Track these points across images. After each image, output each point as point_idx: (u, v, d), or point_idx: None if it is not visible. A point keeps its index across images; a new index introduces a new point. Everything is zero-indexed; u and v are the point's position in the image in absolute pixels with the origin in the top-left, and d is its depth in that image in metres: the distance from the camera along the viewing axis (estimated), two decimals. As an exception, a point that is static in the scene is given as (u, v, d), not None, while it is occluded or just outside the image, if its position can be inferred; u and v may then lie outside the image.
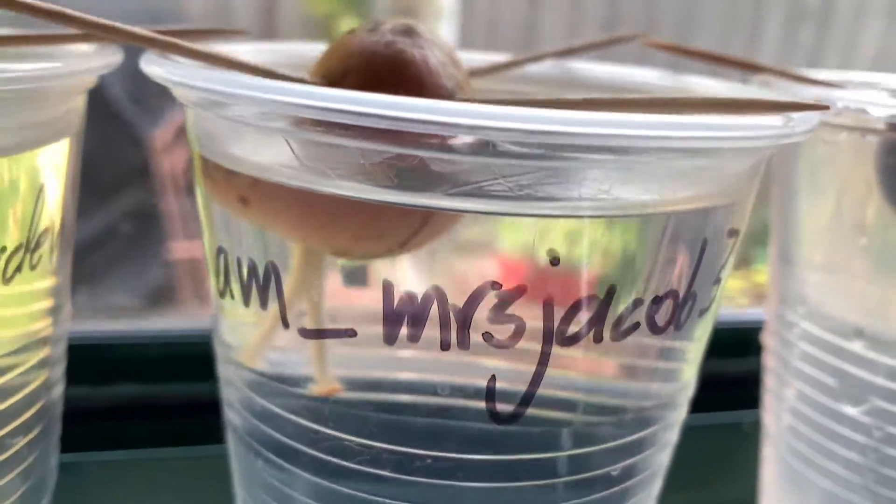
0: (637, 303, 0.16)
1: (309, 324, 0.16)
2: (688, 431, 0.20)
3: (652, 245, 0.16)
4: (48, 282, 0.19)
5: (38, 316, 0.19)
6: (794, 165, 0.24)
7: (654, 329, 0.16)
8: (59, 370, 0.21)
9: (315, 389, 0.17)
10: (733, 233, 0.18)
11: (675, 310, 0.17)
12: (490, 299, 0.15)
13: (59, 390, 0.21)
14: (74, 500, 0.26)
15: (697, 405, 0.20)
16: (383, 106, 0.13)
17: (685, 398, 0.20)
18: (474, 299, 0.15)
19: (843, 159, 0.22)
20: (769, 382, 0.26)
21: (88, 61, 0.18)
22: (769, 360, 0.26)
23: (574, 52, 0.25)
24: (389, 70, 0.17)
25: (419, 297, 0.15)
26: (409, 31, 0.17)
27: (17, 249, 0.17)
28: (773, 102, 0.16)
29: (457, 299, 0.15)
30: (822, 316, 0.23)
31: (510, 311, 0.15)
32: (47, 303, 0.19)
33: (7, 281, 0.16)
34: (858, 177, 0.22)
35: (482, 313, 0.15)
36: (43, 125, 0.17)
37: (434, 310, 0.15)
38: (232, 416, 0.19)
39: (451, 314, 0.15)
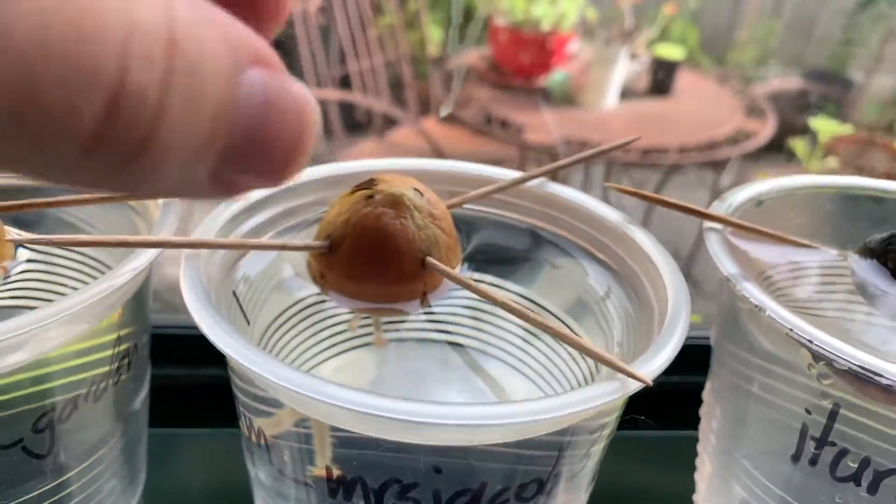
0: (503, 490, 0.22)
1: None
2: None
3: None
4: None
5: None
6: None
7: (521, 500, 0.23)
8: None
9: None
10: (600, 428, 0.23)
11: (540, 486, 0.23)
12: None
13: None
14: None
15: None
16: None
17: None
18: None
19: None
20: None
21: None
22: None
23: (564, 167, 0.29)
24: (377, 241, 0.23)
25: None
26: (396, 204, 0.23)
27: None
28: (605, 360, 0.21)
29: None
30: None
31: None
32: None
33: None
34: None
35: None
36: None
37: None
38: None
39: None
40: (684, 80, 1.79)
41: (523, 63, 1.72)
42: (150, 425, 0.30)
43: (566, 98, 1.70)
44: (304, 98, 0.11)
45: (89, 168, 0.10)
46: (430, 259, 0.23)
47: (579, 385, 0.27)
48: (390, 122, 1.73)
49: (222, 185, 0.11)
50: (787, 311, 0.23)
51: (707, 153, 1.52)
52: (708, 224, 0.27)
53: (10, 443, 0.22)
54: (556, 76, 1.70)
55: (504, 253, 0.29)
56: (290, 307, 0.27)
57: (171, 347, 0.37)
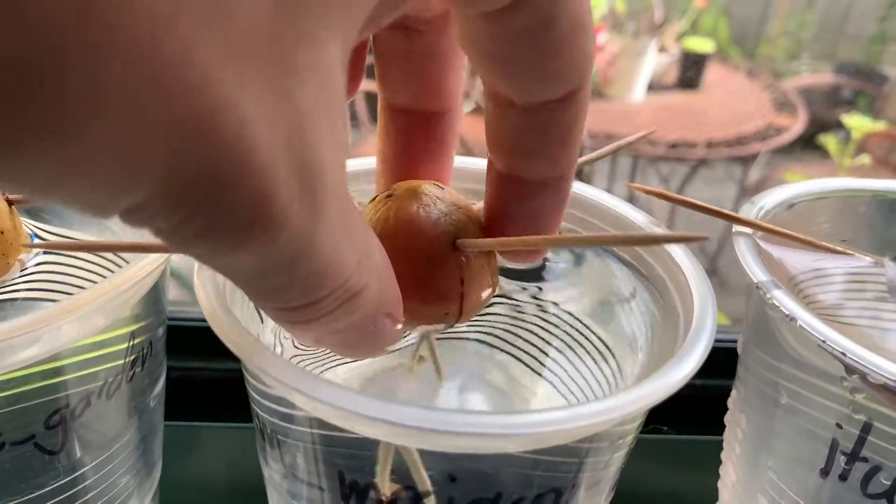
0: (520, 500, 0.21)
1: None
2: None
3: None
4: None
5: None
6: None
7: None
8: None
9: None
10: (622, 435, 0.22)
11: (558, 495, 0.22)
12: None
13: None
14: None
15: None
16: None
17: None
18: None
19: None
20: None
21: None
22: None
23: (588, 163, 0.28)
24: (400, 232, 0.20)
25: None
26: (414, 195, 0.21)
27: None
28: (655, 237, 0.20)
29: None
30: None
31: None
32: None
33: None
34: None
35: None
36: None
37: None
38: None
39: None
40: (713, 74, 1.77)
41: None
42: (166, 418, 0.30)
43: (593, 90, 1.68)
44: (390, 338, 0.17)
45: (273, 308, 0.15)
46: (460, 240, 0.21)
47: (602, 389, 0.26)
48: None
49: (317, 341, 0.17)
50: (819, 322, 0.22)
51: (735, 148, 1.50)
52: (738, 228, 0.26)
53: (22, 439, 0.22)
54: (583, 68, 1.68)
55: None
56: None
57: (189, 339, 0.37)
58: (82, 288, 0.28)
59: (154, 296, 0.25)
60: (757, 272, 0.24)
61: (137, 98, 0.10)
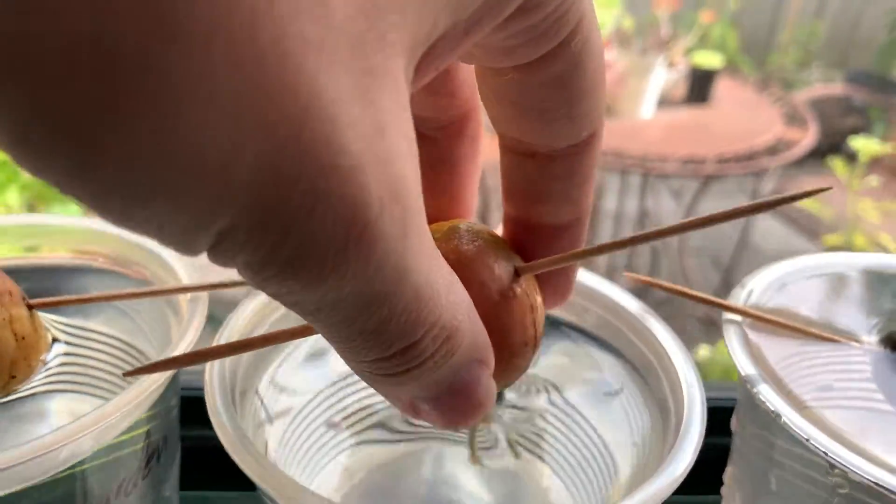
0: None
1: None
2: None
3: None
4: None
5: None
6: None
7: None
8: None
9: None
10: None
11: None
12: None
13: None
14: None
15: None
16: None
17: None
18: None
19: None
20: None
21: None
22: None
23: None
24: (463, 266, 0.18)
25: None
26: (456, 233, 0.19)
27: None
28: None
29: None
30: None
31: None
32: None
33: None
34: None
35: None
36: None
37: None
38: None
39: None
40: (723, 88, 1.77)
41: (558, 73, 1.71)
42: (180, 488, 0.31)
43: (602, 107, 1.69)
44: (489, 392, 0.16)
45: (366, 366, 0.14)
46: (521, 265, 0.19)
47: (601, 476, 0.27)
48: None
49: (413, 409, 0.16)
50: (803, 420, 0.23)
51: (745, 164, 1.50)
52: (727, 316, 0.27)
53: (44, 542, 0.23)
54: (591, 86, 1.68)
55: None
56: (307, 403, 0.28)
57: (202, 408, 0.38)
58: (98, 378, 0.30)
59: (166, 398, 0.27)
60: (744, 364, 0.25)
61: (235, 85, 0.09)
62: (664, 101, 1.70)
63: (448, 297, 0.14)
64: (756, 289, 0.29)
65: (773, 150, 1.54)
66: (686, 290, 0.27)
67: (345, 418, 0.29)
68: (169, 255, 0.30)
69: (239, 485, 0.39)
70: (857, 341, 0.28)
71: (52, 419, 0.30)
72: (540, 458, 0.29)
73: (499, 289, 0.18)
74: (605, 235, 1.92)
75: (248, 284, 0.12)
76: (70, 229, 0.31)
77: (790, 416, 0.23)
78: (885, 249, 1.14)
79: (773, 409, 0.23)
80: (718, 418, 0.29)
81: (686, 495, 0.38)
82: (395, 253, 0.12)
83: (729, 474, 0.30)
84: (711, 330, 1.70)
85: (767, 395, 0.24)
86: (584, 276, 0.29)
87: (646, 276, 0.27)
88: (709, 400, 0.32)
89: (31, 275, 0.31)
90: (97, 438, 0.23)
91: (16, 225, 0.31)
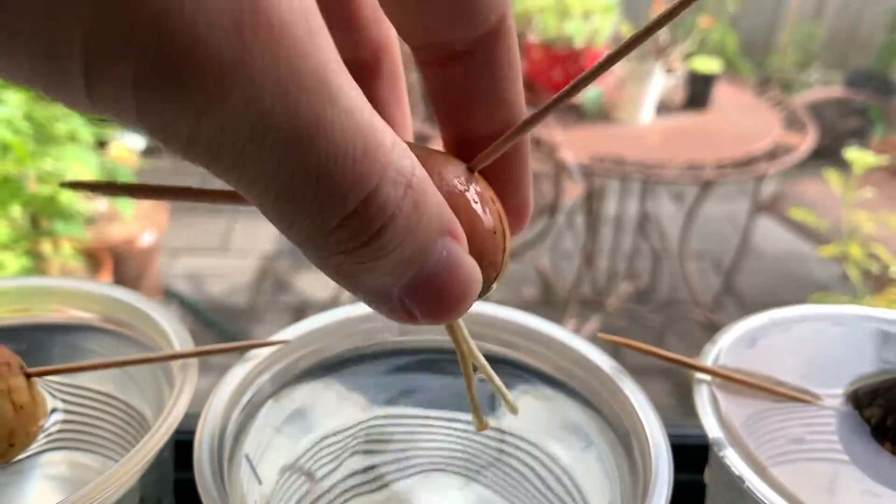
0: None
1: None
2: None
3: None
4: None
5: None
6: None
7: None
8: None
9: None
10: None
11: None
12: None
13: None
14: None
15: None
16: None
17: None
18: None
19: None
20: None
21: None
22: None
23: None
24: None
25: None
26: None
27: None
28: None
29: None
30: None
31: None
32: None
33: None
34: None
35: None
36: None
37: None
38: None
39: None
40: (722, 93, 1.77)
41: (556, 80, 1.72)
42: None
43: (601, 114, 1.70)
44: (472, 270, 0.16)
45: (335, 241, 0.13)
46: (478, 157, 0.18)
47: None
48: (422, 141, 1.75)
49: (401, 307, 0.15)
50: (764, 483, 0.24)
51: (744, 169, 1.51)
52: (699, 376, 0.28)
53: None
54: (590, 93, 1.69)
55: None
56: (295, 461, 0.29)
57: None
58: (94, 434, 0.31)
59: (160, 464, 0.28)
60: (711, 427, 0.26)
61: None
62: (663, 107, 1.70)
63: (393, 138, 0.13)
64: (725, 346, 0.30)
65: (771, 155, 1.54)
66: (658, 350, 0.28)
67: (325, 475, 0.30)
68: (160, 315, 0.31)
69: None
70: (821, 399, 0.28)
71: (51, 471, 0.31)
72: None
73: (456, 180, 0.17)
74: (606, 239, 1.93)
75: (159, 144, 0.12)
76: (63, 291, 0.33)
77: (753, 481, 0.24)
78: (879, 260, 1.14)
79: (737, 473, 0.24)
80: (693, 454, 0.31)
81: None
82: (309, 56, 0.11)
83: (703, 523, 0.31)
84: (713, 334, 1.71)
85: (732, 459, 0.25)
86: (562, 334, 0.30)
87: (619, 338, 0.28)
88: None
89: (26, 334, 0.32)
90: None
91: (11, 287, 0.32)
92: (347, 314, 0.31)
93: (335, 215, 0.13)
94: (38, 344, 0.32)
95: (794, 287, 1.99)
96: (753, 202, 1.78)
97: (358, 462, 0.31)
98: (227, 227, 2.10)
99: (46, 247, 1.45)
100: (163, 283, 1.82)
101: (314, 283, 1.87)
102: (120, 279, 1.65)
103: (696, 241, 2.00)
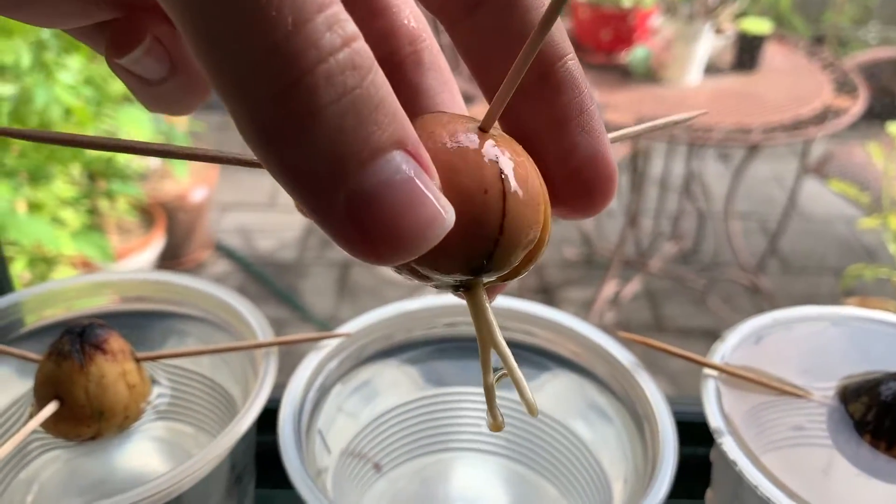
0: None
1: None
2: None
3: None
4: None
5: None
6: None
7: None
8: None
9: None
10: None
11: None
12: None
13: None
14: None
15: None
16: None
17: None
18: None
19: None
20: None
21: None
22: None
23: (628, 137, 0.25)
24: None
25: None
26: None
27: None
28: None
29: None
30: None
31: None
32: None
33: None
34: None
35: None
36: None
37: None
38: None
39: None
40: (772, 53, 1.75)
41: (604, 40, 1.72)
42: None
43: (648, 75, 1.70)
44: (433, 209, 0.13)
45: (263, 74, 0.12)
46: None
47: (591, 483, 0.33)
48: (467, 100, 1.77)
49: (351, 216, 0.13)
50: (755, 469, 0.28)
51: (792, 133, 1.50)
52: (706, 371, 0.32)
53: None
54: (637, 53, 1.69)
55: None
56: (357, 433, 0.34)
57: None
58: (190, 409, 0.37)
59: (248, 433, 0.33)
60: (714, 418, 0.30)
61: None
62: (711, 68, 1.69)
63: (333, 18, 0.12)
64: (732, 342, 0.34)
65: (820, 119, 1.53)
66: (670, 348, 0.33)
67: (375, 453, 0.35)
68: (245, 309, 0.36)
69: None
70: (815, 394, 0.33)
71: (156, 436, 0.37)
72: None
73: (450, 133, 0.16)
74: (650, 199, 1.95)
75: None
76: (170, 285, 0.38)
77: (744, 465, 0.28)
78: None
79: (731, 458, 0.29)
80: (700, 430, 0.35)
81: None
82: None
83: (709, 497, 0.35)
84: (756, 297, 1.73)
85: (728, 445, 0.29)
86: (587, 330, 0.35)
87: (637, 336, 0.33)
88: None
89: (133, 320, 0.38)
90: (195, 476, 0.30)
91: (129, 280, 0.38)
92: (405, 308, 0.36)
93: (258, 47, 0.12)
94: (140, 327, 0.38)
95: (839, 251, 1.98)
96: (802, 163, 1.77)
97: (408, 434, 0.36)
98: (275, 183, 2.16)
99: (104, 203, 1.53)
100: (213, 237, 1.89)
101: (363, 240, 1.92)
102: (172, 234, 1.72)
103: (741, 202, 2.00)
